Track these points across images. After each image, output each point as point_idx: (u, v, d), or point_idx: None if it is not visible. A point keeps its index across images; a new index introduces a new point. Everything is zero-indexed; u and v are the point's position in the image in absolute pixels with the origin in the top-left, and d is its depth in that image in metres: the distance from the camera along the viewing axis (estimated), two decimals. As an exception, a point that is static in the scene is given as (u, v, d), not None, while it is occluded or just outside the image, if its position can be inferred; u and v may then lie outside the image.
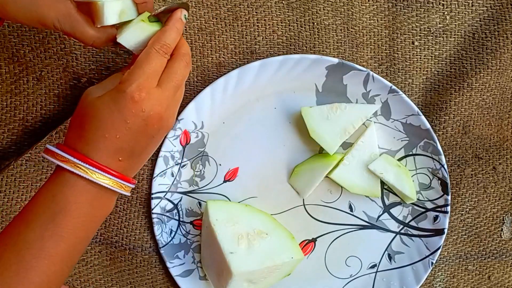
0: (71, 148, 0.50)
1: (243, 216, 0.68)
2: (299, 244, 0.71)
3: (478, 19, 0.72)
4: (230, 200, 0.71)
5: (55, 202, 0.49)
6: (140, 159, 0.53)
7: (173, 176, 0.70)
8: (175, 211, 0.71)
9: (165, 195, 0.70)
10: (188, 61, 0.54)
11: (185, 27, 0.70)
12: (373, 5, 0.71)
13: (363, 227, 0.72)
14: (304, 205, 0.71)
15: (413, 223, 0.71)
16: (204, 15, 0.70)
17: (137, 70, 0.51)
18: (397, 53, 0.72)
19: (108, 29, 0.54)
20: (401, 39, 0.72)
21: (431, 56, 0.72)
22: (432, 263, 0.70)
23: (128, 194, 0.53)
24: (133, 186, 0.53)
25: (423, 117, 0.69)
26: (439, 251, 0.69)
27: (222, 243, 0.64)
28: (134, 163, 0.53)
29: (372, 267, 0.72)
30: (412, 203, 0.71)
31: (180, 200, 0.71)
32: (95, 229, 0.52)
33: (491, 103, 0.72)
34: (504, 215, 0.73)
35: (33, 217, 0.49)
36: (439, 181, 0.70)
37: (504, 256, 0.73)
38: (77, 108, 0.52)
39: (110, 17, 0.53)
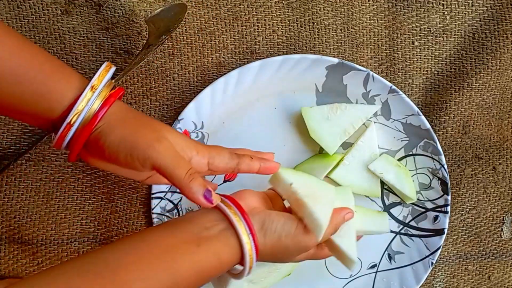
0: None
1: None
2: (299, 244, 0.71)
3: (478, 19, 0.72)
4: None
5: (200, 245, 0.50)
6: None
7: (173, 176, 0.70)
8: (175, 211, 0.71)
9: (165, 195, 0.70)
10: None
11: (185, 27, 0.70)
12: (373, 5, 0.71)
13: (363, 227, 0.72)
14: (304, 205, 0.71)
15: (413, 223, 0.71)
16: (204, 15, 0.70)
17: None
18: (397, 53, 0.72)
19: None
20: (401, 39, 0.72)
21: (431, 56, 0.72)
22: (432, 263, 0.70)
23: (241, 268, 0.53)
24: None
25: (423, 117, 0.69)
26: (439, 251, 0.69)
27: None
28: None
29: (372, 267, 0.72)
30: (412, 203, 0.71)
31: (180, 200, 0.71)
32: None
33: (491, 103, 0.72)
34: (504, 215, 0.73)
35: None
36: (439, 181, 0.70)
37: (504, 256, 0.73)
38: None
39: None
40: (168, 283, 0.46)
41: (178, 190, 0.70)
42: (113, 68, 0.53)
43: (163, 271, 0.46)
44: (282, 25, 0.71)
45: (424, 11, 0.71)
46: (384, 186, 0.71)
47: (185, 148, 0.53)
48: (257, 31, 0.71)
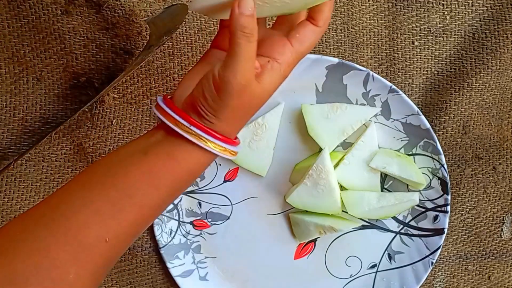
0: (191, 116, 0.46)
1: None
2: (299, 245, 0.71)
3: (478, 19, 0.72)
4: (230, 201, 0.71)
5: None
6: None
7: (173, 176, 0.70)
8: (175, 211, 0.71)
9: (165, 195, 0.70)
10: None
11: (185, 27, 0.70)
12: (373, 5, 0.71)
13: (363, 227, 0.72)
14: (304, 205, 0.71)
15: (413, 223, 0.71)
16: (204, 15, 0.70)
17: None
18: (397, 53, 0.72)
19: None
20: (401, 39, 0.72)
21: (431, 56, 0.72)
22: (432, 263, 0.70)
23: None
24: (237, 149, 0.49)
25: (423, 117, 0.69)
26: (439, 251, 0.70)
27: None
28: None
29: (372, 267, 0.72)
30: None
31: (180, 200, 0.71)
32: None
33: (491, 103, 0.73)
34: (504, 215, 0.73)
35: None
36: (439, 181, 0.70)
37: (504, 256, 0.73)
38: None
39: None
40: (115, 199, 0.44)
41: (178, 190, 0.70)
42: None
43: (110, 187, 0.44)
44: (282, 25, 0.71)
45: (424, 11, 0.72)
46: (384, 186, 0.71)
47: None
48: (257, 31, 0.71)
